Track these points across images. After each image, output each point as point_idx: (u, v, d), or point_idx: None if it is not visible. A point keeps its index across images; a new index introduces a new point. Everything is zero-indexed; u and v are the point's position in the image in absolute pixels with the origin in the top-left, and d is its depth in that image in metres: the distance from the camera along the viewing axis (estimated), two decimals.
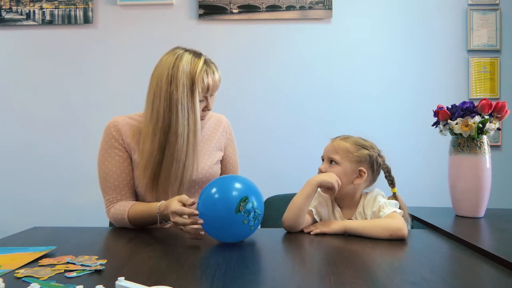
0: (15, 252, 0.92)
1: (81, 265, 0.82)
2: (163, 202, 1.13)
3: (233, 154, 1.44)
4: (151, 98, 1.20)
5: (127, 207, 1.20)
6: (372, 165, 1.16)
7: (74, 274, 0.76)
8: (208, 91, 1.23)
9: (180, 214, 1.03)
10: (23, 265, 0.82)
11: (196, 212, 1.00)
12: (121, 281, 0.66)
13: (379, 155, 1.17)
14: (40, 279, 0.74)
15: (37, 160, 2.28)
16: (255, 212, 0.98)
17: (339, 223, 1.10)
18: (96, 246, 1.04)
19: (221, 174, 1.40)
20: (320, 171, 1.17)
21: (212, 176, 1.32)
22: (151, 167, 1.19)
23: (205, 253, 0.96)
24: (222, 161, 1.40)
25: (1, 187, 2.29)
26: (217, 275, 0.77)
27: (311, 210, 1.16)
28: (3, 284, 0.71)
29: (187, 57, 1.21)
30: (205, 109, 1.26)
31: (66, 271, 0.78)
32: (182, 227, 1.03)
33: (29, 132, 2.30)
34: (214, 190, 0.99)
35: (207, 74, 1.22)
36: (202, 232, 1.03)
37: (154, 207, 1.15)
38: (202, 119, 1.27)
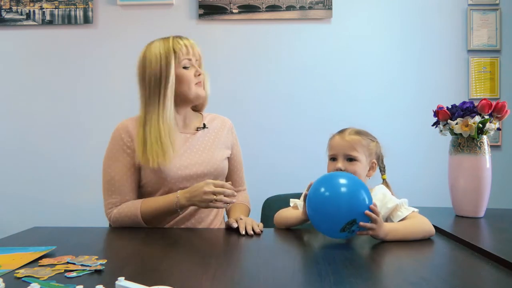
0: (15, 252, 0.92)
1: (81, 265, 0.82)
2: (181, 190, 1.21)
3: (239, 153, 1.47)
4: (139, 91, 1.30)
5: (137, 204, 1.23)
6: (379, 155, 1.17)
7: (74, 274, 0.76)
8: (188, 53, 1.27)
9: (219, 186, 1.14)
10: (23, 265, 0.82)
11: (234, 194, 1.15)
12: (121, 281, 0.66)
13: (378, 143, 1.19)
14: (40, 279, 0.74)
15: (37, 160, 2.28)
16: (356, 227, 0.95)
17: (385, 229, 0.98)
18: (96, 246, 1.04)
19: (228, 172, 1.41)
20: (339, 170, 1.10)
21: (222, 170, 1.34)
22: (140, 141, 1.24)
23: (205, 253, 0.96)
24: (230, 160, 1.42)
25: (1, 187, 2.29)
26: (217, 275, 0.77)
27: None
28: (3, 284, 0.71)
29: (156, 41, 1.30)
30: (196, 73, 1.29)
31: (66, 271, 0.78)
32: (216, 197, 1.13)
33: (29, 132, 2.29)
34: (325, 203, 0.96)
35: (182, 40, 1.29)
36: (235, 200, 1.17)
37: (170, 196, 1.21)
38: (199, 85, 1.30)
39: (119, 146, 1.26)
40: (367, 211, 0.94)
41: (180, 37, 1.30)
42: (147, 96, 1.25)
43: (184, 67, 1.27)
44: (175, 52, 1.25)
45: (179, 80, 1.26)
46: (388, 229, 0.98)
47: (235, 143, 1.45)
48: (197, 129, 1.36)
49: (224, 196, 1.13)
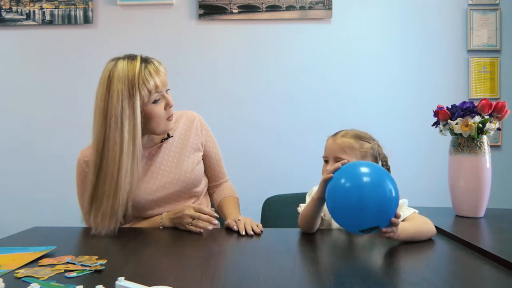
0: (15, 252, 0.92)
1: (81, 265, 0.82)
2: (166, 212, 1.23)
3: (214, 148, 1.40)
4: (94, 120, 1.18)
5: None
6: (376, 157, 1.17)
7: (74, 274, 0.76)
8: (157, 87, 1.14)
9: (198, 211, 1.13)
10: (23, 265, 0.82)
11: (215, 220, 1.14)
12: (121, 281, 0.66)
13: (378, 145, 1.18)
14: (40, 279, 0.74)
15: (37, 160, 2.28)
16: (377, 231, 0.92)
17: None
18: (96, 246, 1.04)
19: (206, 170, 1.39)
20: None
21: (195, 180, 1.30)
22: (88, 191, 1.15)
23: (205, 253, 0.96)
24: (204, 158, 1.38)
25: (1, 186, 2.29)
26: (217, 275, 0.77)
27: None
28: (3, 284, 0.71)
29: (121, 63, 1.14)
30: (167, 106, 1.19)
31: (66, 271, 0.78)
32: (192, 221, 1.13)
33: (29, 131, 2.29)
34: (353, 199, 0.89)
35: (150, 72, 1.13)
36: (210, 227, 1.13)
37: (156, 219, 1.23)
38: (170, 119, 1.21)
39: (84, 178, 1.22)
40: (393, 219, 0.90)
41: (149, 64, 1.15)
42: (107, 137, 1.13)
43: (155, 101, 1.16)
44: (140, 90, 1.11)
45: (148, 117, 1.16)
46: (400, 229, 0.96)
47: (207, 139, 1.37)
48: (162, 140, 1.29)
49: (201, 221, 1.13)
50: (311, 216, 1.09)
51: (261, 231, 1.12)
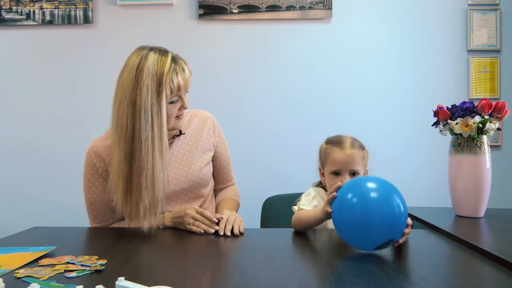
0: (15, 252, 0.92)
1: (81, 265, 0.82)
2: (168, 213, 1.22)
3: (224, 150, 1.40)
4: (116, 105, 1.14)
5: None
6: (367, 161, 1.19)
7: (74, 274, 0.76)
8: (179, 90, 1.16)
9: (200, 214, 1.14)
10: (23, 265, 0.82)
11: (215, 225, 1.12)
12: (121, 281, 0.66)
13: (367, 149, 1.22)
14: (40, 279, 0.74)
15: (37, 160, 2.28)
16: (392, 244, 0.91)
17: None
18: (96, 246, 1.04)
19: (214, 172, 1.39)
20: None
21: (203, 180, 1.29)
22: (121, 180, 1.12)
23: (205, 254, 0.96)
24: (214, 159, 1.38)
25: (1, 187, 2.29)
26: (217, 275, 0.77)
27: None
28: (3, 284, 0.71)
29: (152, 57, 1.13)
30: (182, 108, 1.20)
31: (66, 271, 0.78)
32: (194, 222, 1.13)
33: (29, 132, 2.29)
34: (361, 224, 0.88)
35: (177, 73, 1.14)
36: (212, 230, 1.11)
37: (157, 218, 1.19)
38: (179, 118, 1.21)
39: (93, 171, 1.23)
40: (406, 230, 0.91)
41: (178, 64, 1.16)
42: (137, 128, 1.10)
43: (172, 102, 1.16)
44: (165, 89, 1.11)
45: None
46: None
47: (219, 141, 1.38)
48: (174, 136, 1.29)
49: (202, 223, 1.13)
50: (311, 226, 1.10)
51: (241, 232, 1.11)
